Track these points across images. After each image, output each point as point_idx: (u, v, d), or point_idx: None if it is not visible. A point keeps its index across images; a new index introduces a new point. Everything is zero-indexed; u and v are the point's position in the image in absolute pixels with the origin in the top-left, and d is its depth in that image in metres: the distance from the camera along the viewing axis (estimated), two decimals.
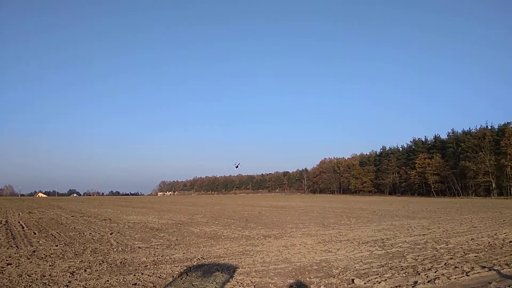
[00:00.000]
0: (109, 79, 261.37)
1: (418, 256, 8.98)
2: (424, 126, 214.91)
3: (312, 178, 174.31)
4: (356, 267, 7.81)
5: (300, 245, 10.95)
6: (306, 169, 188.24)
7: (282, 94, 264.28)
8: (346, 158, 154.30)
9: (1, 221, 18.78)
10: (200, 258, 8.77)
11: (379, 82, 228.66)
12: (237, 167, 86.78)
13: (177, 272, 7.30)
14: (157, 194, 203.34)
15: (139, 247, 10.52)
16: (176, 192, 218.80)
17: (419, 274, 7.12)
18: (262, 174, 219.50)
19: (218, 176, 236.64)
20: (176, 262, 8.40)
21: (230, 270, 7.48)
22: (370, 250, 9.83)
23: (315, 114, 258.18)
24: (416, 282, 6.51)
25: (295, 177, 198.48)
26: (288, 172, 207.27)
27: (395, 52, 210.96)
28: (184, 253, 9.60)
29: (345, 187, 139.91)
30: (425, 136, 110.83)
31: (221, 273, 7.23)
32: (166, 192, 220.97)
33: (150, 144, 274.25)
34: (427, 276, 6.91)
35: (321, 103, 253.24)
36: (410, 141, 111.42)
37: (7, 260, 8.39)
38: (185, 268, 7.71)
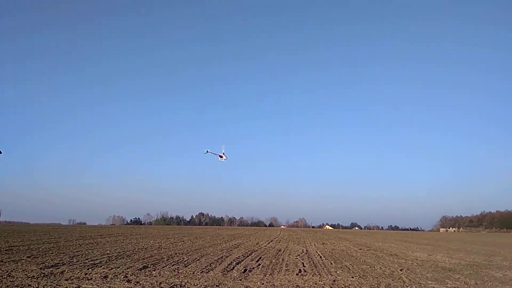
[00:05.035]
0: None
1: None
2: None
3: None
4: None
5: None
6: None
7: None
8: None
9: (303, 250, 22.26)
10: None
11: None
12: (206, 152, 61.79)
13: None
14: (439, 230, 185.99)
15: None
16: (461, 229, 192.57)
17: None
18: None
19: None
20: None
21: None
22: None
23: None
24: None
25: None
26: None
27: None
28: None
29: None
30: None
31: None
32: (449, 228, 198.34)
33: (426, 176, 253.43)
34: None
35: None
36: None
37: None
38: None
